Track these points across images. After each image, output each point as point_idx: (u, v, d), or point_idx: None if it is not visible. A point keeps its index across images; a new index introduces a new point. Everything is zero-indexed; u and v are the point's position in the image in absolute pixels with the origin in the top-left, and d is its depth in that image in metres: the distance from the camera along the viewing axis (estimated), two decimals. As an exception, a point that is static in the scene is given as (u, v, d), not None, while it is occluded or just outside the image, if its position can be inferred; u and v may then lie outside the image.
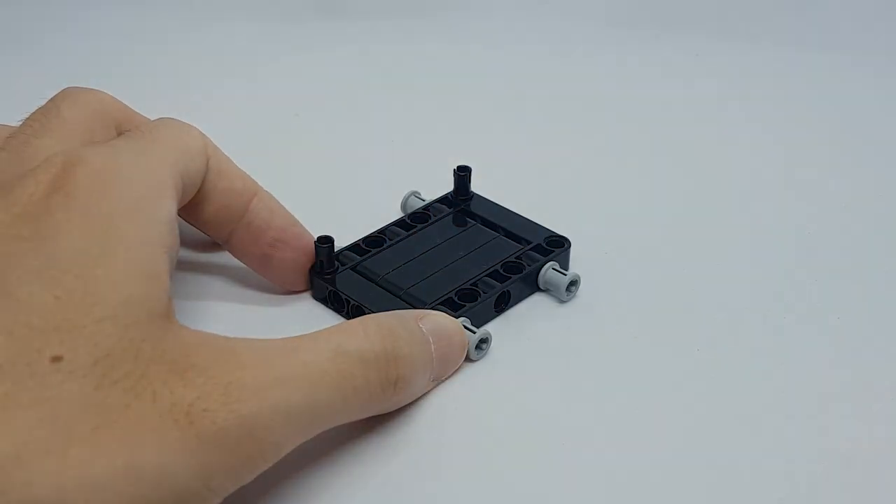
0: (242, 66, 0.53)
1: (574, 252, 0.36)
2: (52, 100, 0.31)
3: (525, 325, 0.33)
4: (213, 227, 0.33)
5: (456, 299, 0.32)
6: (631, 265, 0.36)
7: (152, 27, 0.57)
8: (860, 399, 0.30)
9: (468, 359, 0.31)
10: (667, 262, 0.37)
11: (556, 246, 0.35)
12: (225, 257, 0.36)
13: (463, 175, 0.38)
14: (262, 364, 0.24)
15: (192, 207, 0.31)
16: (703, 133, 0.47)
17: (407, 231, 0.36)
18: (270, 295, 0.35)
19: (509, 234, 0.36)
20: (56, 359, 0.22)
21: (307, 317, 0.34)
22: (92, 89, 0.32)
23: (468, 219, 0.37)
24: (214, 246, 0.36)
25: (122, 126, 0.32)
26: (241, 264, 0.34)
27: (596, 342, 0.32)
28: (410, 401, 0.29)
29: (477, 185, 0.39)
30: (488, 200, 0.38)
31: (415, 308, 0.32)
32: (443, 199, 0.38)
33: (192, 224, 0.33)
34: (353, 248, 0.35)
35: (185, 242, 0.37)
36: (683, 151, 0.45)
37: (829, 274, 0.36)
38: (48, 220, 0.24)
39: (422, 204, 0.38)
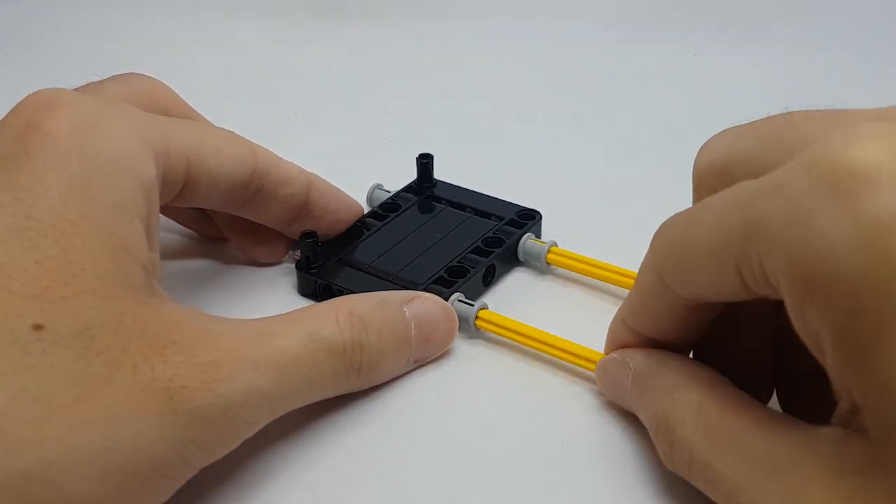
0: (242, 66, 0.53)
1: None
2: (106, 78, 0.31)
3: (513, 297, 0.34)
4: (275, 224, 0.34)
5: (447, 277, 0.33)
6: (605, 242, 0.37)
7: (152, 27, 0.56)
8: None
9: (469, 333, 0.32)
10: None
11: (528, 218, 0.36)
12: (210, 254, 0.36)
13: (425, 162, 0.39)
14: (239, 346, 0.24)
15: (255, 212, 0.33)
16: (700, 132, 0.47)
17: (381, 221, 0.37)
18: (256, 292, 0.35)
19: (479, 213, 0.37)
20: (38, 327, 0.22)
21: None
22: (150, 77, 0.32)
23: (436, 203, 0.38)
24: (200, 241, 0.37)
25: (170, 116, 0.32)
26: (228, 262, 0.35)
27: (582, 306, 0.34)
28: (384, 381, 0.30)
29: (478, 175, 0.39)
30: (451, 184, 0.39)
31: (409, 289, 0.32)
32: (408, 188, 0.39)
33: (257, 221, 0.33)
34: (333, 241, 0.35)
35: (176, 236, 0.37)
36: (680, 149, 0.45)
37: None
38: (26, 163, 0.24)
39: (387, 195, 0.39)
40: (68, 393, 0.22)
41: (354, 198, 0.36)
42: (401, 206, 0.38)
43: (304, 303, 0.34)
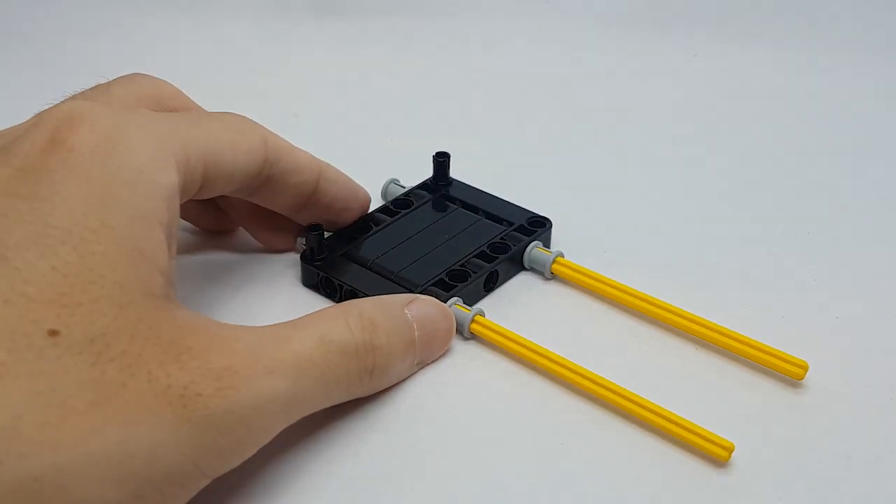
0: (242, 66, 0.53)
1: (554, 236, 0.37)
2: (112, 80, 0.31)
3: (513, 303, 0.34)
4: (284, 210, 0.34)
5: (447, 280, 0.33)
6: (611, 250, 0.37)
7: (152, 27, 0.57)
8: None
9: (463, 336, 0.32)
10: (649, 253, 0.37)
11: (537, 226, 0.36)
12: (218, 245, 0.37)
13: (442, 161, 0.39)
14: (254, 352, 0.24)
15: (264, 198, 0.33)
16: (700, 132, 0.47)
17: (391, 217, 0.37)
18: (261, 282, 0.35)
19: (490, 217, 0.37)
20: (53, 333, 0.22)
21: (297, 303, 0.34)
22: (155, 77, 0.32)
23: (449, 203, 0.38)
24: (202, 232, 0.37)
25: None
26: (235, 252, 0.36)
27: (581, 317, 0.34)
28: (390, 385, 0.30)
29: (479, 173, 0.40)
30: (467, 185, 0.39)
31: (408, 290, 0.33)
32: (422, 186, 0.39)
33: (266, 207, 0.34)
34: (341, 234, 0.36)
35: (181, 228, 0.37)
36: (679, 149, 0.46)
37: (829, 274, 0.36)
38: (47, 177, 0.24)
39: (402, 191, 0.39)
40: (83, 398, 0.21)
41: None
42: (413, 203, 0.38)
43: (308, 294, 0.35)
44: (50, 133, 0.25)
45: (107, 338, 0.22)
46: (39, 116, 0.26)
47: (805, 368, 0.30)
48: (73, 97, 0.29)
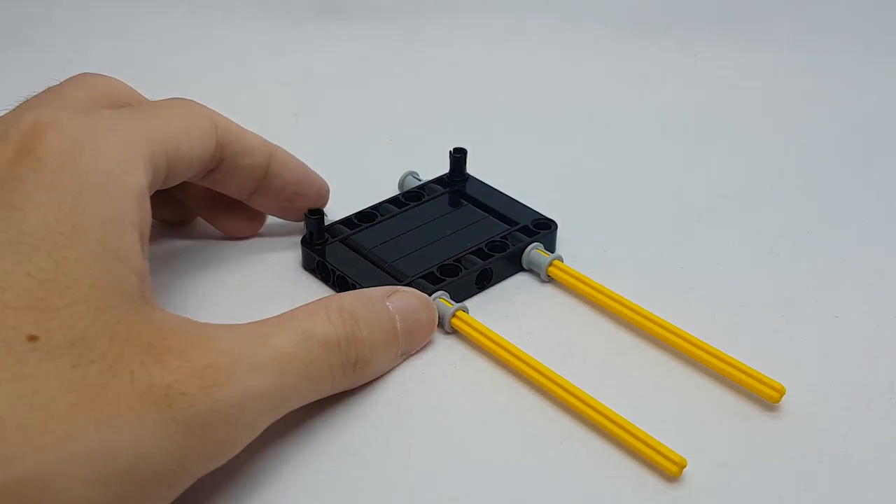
0: (242, 66, 0.54)
1: (562, 236, 0.37)
2: (62, 81, 0.31)
3: (504, 302, 0.34)
4: (235, 194, 0.34)
5: (437, 274, 0.33)
6: (617, 251, 0.37)
7: (152, 27, 0.58)
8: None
9: (444, 330, 0.32)
10: (654, 252, 0.37)
11: (542, 228, 0.36)
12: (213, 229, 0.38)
13: (458, 156, 0.39)
14: (235, 350, 0.25)
15: (215, 182, 0.33)
16: (700, 132, 0.47)
17: (400, 208, 0.37)
18: (262, 263, 0.36)
19: (499, 216, 0.37)
20: (32, 338, 0.22)
21: (296, 285, 0.35)
22: (104, 75, 0.32)
23: (462, 199, 0.38)
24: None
25: None
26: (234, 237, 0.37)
27: (569, 322, 0.33)
28: (376, 377, 0.30)
29: (482, 173, 0.40)
30: (483, 182, 0.39)
31: (396, 280, 0.33)
32: (438, 180, 0.39)
33: (218, 191, 0.34)
34: (345, 221, 0.36)
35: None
36: (679, 149, 0.45)
37: (828, 274, 0.36)
38: (18, 187, 0.25)
39: (418, 183, 0.39)
40: (65, 400, 0.21)
41: (356, 199, 0.37)
42: (424, 197, 0.38)
43: (308, 277, 0.35)
44: (17, 144, 0.26)
45: (86, 341, 0.23)
46: (1, 127, 0.27)
47: (782, 392, 0.29)
48: (27, 101, 0.29)
